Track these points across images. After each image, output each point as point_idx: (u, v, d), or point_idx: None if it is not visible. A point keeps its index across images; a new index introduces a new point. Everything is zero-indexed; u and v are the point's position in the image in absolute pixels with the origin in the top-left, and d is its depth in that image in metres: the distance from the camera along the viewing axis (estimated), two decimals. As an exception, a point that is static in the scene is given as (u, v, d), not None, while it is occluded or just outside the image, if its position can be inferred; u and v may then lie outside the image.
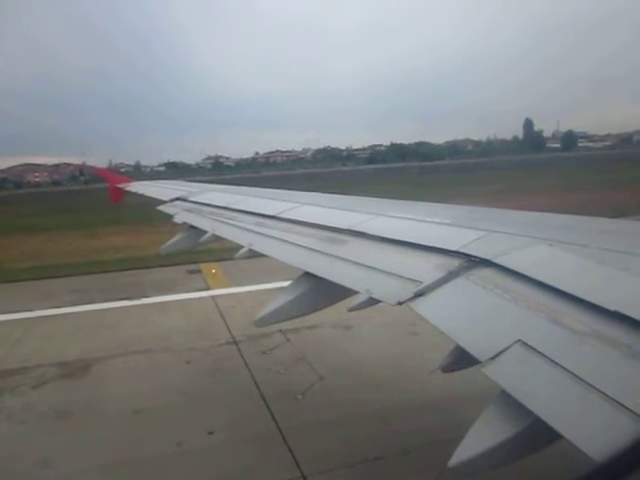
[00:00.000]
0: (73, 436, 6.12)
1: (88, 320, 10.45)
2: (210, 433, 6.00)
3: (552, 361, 1.73)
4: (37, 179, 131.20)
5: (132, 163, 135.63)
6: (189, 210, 6.64)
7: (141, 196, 9.63)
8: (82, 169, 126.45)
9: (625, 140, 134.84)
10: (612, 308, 1.78)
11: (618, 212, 15.87)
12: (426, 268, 2.66)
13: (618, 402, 1.47)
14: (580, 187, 30.91)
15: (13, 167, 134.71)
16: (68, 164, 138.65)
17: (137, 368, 7.98)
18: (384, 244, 3.26)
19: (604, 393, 1.52)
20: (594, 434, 1.46)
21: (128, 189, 10.80)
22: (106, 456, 5.62)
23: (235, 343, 8.70)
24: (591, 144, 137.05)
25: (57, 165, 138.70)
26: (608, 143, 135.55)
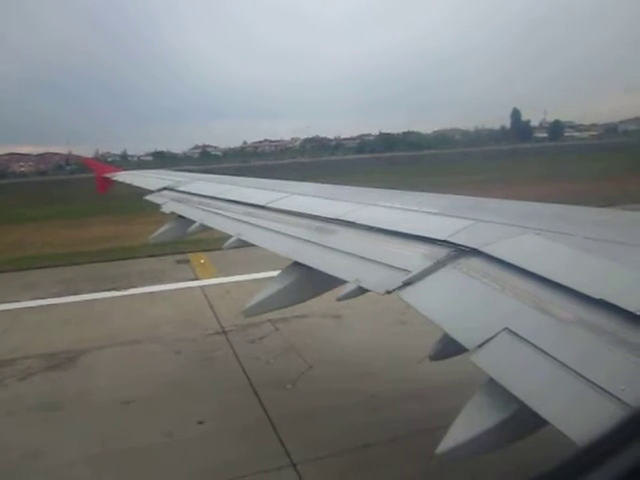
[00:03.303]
0: (62, 427, 6.10)
1: (75, 311, 10.39)
2: (200, 423, 6.01)
3: (538, 349, 1.75)
4: (22, 169, 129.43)
5: (119, 152, 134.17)
6: (177, 200, 6.61)
7: (128, 186, 9.57)
8: (68, 159, 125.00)
9: (610, 130, 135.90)
10: (597, 296, 1.81)
11: (607, 201, 16.01)
12: (414, 257, 2.67)
13: (603, 389, 1.49)
14: (569, 176, 30.97)
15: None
16: (54, 154, 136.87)
17: (126, 359, 7.96)
18: (373, 233, 3.28)
19: (589, 380, 1.54)
20: (579, 420, 1.48)
21: (115, 179, 10.72)
22: (96, 447, 5.62)
23: (224, 333, 8.70)
24: (577, 134, 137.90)
25: (42, 155, 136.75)
26: (594, 133, 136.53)
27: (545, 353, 1.72)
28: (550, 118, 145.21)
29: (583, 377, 1.57)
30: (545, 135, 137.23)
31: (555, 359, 1.68)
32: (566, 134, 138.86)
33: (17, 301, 11.08)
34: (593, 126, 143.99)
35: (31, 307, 10.75)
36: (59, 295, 11.55)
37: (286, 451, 5.36)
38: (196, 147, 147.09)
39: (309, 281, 3.34)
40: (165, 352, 8.10)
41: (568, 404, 1.57)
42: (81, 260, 15.00)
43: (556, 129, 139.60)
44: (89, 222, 22.51)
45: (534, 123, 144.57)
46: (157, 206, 6.72)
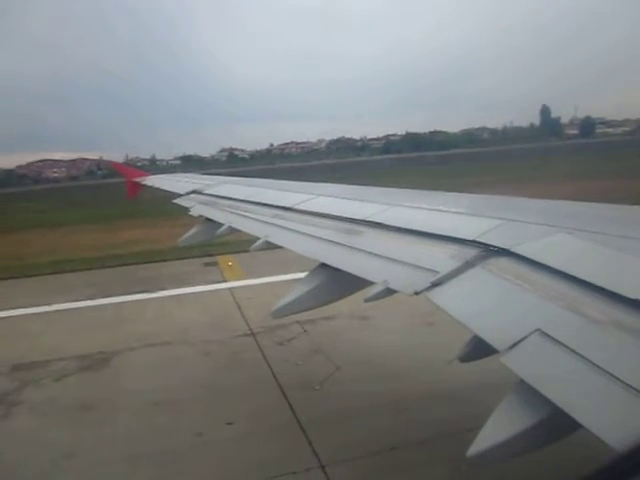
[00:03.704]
0: (95, 428, 6.21)
1: (107, 313, 10.58)
2: (229, 424, 6.05)
3: (571, 350, 1.71)
4: (55, 174, 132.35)
5: (148, 157, 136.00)
6: (205, 203, 6.67)
7: (157, 190, 9.70)
8: (99, 164, 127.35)
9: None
10: (632, 296, 1.76)
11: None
12: (443, 258, 2.64)
13: (638, 391, 1.45)
14: (613, 174, 29.49)
15: (32, 163, 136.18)
16: (85, 159, 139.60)
17: (156, 360, 8.07)
18: (400, 234, 3.25)
19: (624, 382, 1.50)
20: (614, 423, 1.44)
21: (144, 183, 10.87)
22: (128, 447, 5.71)
23: (252, 335, 8.75)
24: (610, 130, 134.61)
25: (74, 160, 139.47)
26: (627, 129, 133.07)
27: (578, 355, 1.68)
28: (580, 114, 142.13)
29: (618, 379, 1.52)
30: (576, 132, 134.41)
31: (589, 361, 1.64)
32: (598, 130, 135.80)
33: (51, 304, 11.32)
34: (626, 121, 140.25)
35: (65, 309, 10.99)
36: (91, 298, 11.76)
37: (315, 452, 5.36)
38: (223, 150, 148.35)
39: (336, 282, 3.33)
40: (194, 354, 8.19)
41: (602, 407, 1.53)
42: (112, 263, 15.28)
43: (587, 126, 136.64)
44: (120, 226, 22.89)
45: (564, 120, 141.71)
46: (185, 209, 6.79)
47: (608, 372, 1.56)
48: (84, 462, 5.53)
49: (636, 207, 3.47)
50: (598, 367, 1.60)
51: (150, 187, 10.37)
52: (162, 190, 9.18)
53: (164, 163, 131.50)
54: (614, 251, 2.19)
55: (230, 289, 11.69)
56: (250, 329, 8.98)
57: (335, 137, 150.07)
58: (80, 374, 7.79)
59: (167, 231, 15.45)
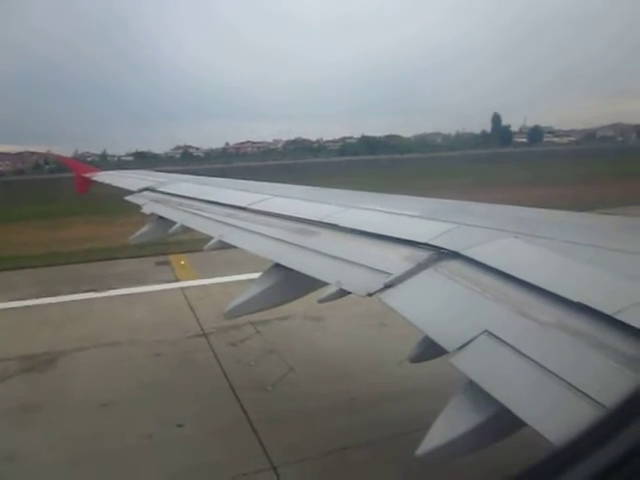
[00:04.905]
0: (40, 430, 6.01)
1: (53, 313, 10.24)
2: (179, 425, 5.96)
3: (518, 351, 1.77)
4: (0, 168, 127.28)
5: (98, 152, 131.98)
6: (158, 201, 6.56)
7: (108, 186, 9.46)
8: (47, 158, 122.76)
9: (589, 136, 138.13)
10: (576, 299, 1.83)
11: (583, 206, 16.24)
12: (396, 260, 2.68)
13: (581, 390, 1.51)
14: (549, 181, 31.32)
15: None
16: (32, 153, 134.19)
17: (105, 361, 7.86)
18: (354, 236, 3.29)
19: (567, 382, 1.56)
20: (557, 422, 1.50)
21: (95, 179, 10.59)
22: (74, 450, 5.54)
23: (205, 335, 8.64)
24: (556, 139, 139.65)
25: (21, 153, 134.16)
26: (573, 138, 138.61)
27: (524, 355, 1.74)
28: (530, 123, 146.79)
29: (561, 379, 1.58)
30: (525, 140, 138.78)
31: (534, 361, 1.69)
32: (545, 139, 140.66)
33: (-7, 302, 10.87)
34: (572, 132, 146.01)
35: (9, 308, 10.56)
36: (37, 296, 11.36)
37: (266, 453, 5.35)
38: (177, 148, 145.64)
39: (291, 283, 3.33)
40: (145, 354, 8.03)
41: (546, 406, 1.59)
42: (60, 261, 14.79)
43: (535, 134, 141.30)
44: (68, 222, 22.16)
45: (514, 128, 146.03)
46: (138, 207, 6.66)
47: (552, 372, 1.62)
48: (25, 466, 5.34)
49: (580, 214, 3.61)
50: (543, 367, 1.66)
51: (101, 183, 10.10)
52: (114, 187, 8.97)
53: (115, 159, 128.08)
54: (559, 255, 2.27)
55: (182, 289, 11.51)
56: (202, 329, 8.87)
57: (292, 138, 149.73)
58: (23, 375, 7.51)
59: (119, 229, 15.07)
